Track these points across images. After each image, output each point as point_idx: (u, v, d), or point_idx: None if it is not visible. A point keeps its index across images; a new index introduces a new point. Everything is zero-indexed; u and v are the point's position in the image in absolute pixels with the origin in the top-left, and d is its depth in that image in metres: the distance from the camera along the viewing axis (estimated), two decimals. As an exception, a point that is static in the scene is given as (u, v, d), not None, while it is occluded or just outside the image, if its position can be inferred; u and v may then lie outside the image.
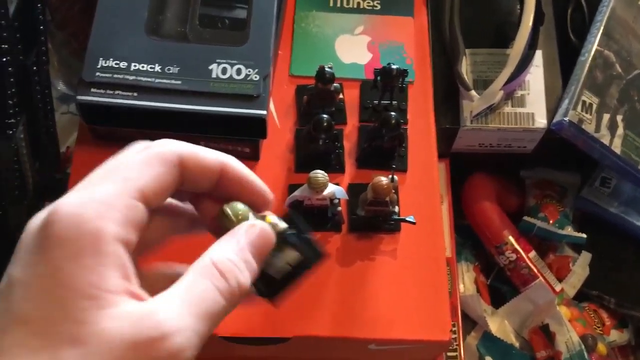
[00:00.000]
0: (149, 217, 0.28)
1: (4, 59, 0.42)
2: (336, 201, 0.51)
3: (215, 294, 0.27)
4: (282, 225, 0.32)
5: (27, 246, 0.26)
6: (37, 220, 0.26)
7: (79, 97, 0.48)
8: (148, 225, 0.28)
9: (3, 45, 0.42)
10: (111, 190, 0.27)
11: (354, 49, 0.61)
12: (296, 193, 0.50)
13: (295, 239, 0.32)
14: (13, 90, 0.44)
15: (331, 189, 0.49)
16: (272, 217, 0.32)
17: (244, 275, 0.28)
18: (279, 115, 0.58)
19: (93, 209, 0.26)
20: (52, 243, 0.25)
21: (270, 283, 0.32)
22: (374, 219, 0.52)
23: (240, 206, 0.31)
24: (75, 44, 0.70)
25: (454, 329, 0.60)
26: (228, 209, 0.31)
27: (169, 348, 0.25)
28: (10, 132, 0.45)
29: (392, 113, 0.52)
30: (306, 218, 0.51)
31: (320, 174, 0.48)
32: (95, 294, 0.24)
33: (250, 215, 0.31)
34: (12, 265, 0.25)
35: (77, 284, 0.24)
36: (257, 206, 0.32)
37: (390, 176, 0.49)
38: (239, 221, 0.30)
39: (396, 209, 0.51)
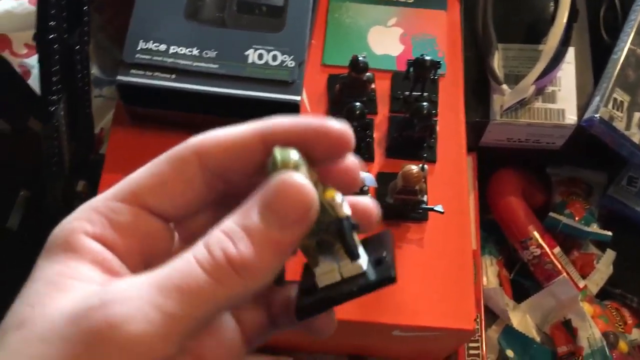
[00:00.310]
0: (163, 222, 0.25)
1: (50, 36, 0.43)
2: (365, 188, 0.52)
3: (191, 267, 0.21)
4: (346, 210, 0.23)
5: None
6: None
7: (119, 78, 0.49)
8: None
9: (50, 23, 0.43)
10: (101, 196, 0.24)
11: (386, 41, 0.62)
12: (327, 179, 0.51)
13: (356, 240, 0.24)
14: (57, 67, 0.45)
15: (361, 175, 0.50)
16: (337, 195, 0.23)
17: (241, 244, 0.22)
18: (310, 103, 0.59)
19: (76, 214, 0.24)
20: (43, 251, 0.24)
21: (309, 290, 0.24)
22: (403, 207, 0.52)
23: (293, 154, 0.23)
24: (111, 28, 0.71)
25: (476, 320, 0.61)
26: (278, 153, 0.23)
27: (108, 315, 0.20)
28: (53, 109, 0.47)
29: (424, 103, 0.53)
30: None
31: (352, 160, 0.49)
32: (57, 280, 0.22)
33: (304, 169, 0.23)
34: None
35: (44, 275, 0.23)
36: (333, 153, 0.25)
37: (420, 165, 0.50)
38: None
39: (425, 198, 0.52)
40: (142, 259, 0.24)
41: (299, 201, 0.22)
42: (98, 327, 0.20)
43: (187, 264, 0.21)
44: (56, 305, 0.21)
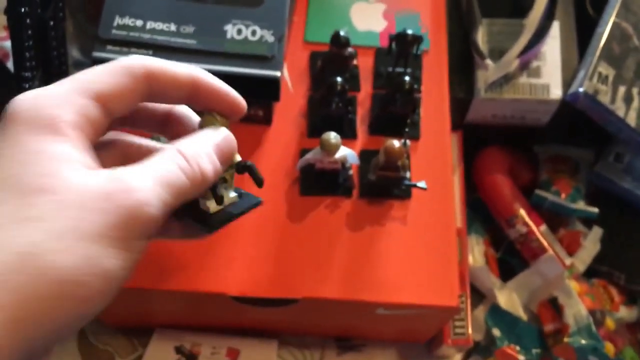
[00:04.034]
0: (108, 121, 0.30)
1: (23, 10, 0.42)
2: (348, 165, 0.51)
3: (178, 172, 0.29)
4: (238, 158, 0.34)
5: None
6: None
7: (95, 54, 0.48)
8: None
9: (21, -4, 0.42)
10: (65, 88, 0.28)
11: (369, 17, 0.61)
12: (308, 155, 0.50)
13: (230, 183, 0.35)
14: (30, 42, 0.44)
15: (343, 152, 0.50)
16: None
17: (207, 166, 0.30)
18: (292, 81, 0.58)
19: (49, 99, 0.27)
20: (13, 122, 0.26)
21: (209, 215, 0.34)
22: (385, 184, 0.51)
23: (219, 117, 0.34)
24: (90, 8, 0.70)
25: (462, 298, 0.60)
26: (217, 115, 0.33)
27: (138, 199, 0.26)
28: (27, 85, 0.46)
29: (406, 77, 0.52)
30: (318, 182, 0.52)
31: (332, 136, 0.48)
32: (65, 158, 0.26)
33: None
34: None
35: (41, 149, 0.26)
36: (233, 115, 0.34)
37: (402, 140, 0.49)
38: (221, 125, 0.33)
39: (407, 174, 0.51)
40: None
41: (233, 147, 0.33)
42: (131, 206, 0.26)
43: (175, 170, 0.29)
44: (78, 180, 0.26)
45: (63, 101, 0.28)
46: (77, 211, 0.25)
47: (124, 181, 0.27)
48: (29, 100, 0.27)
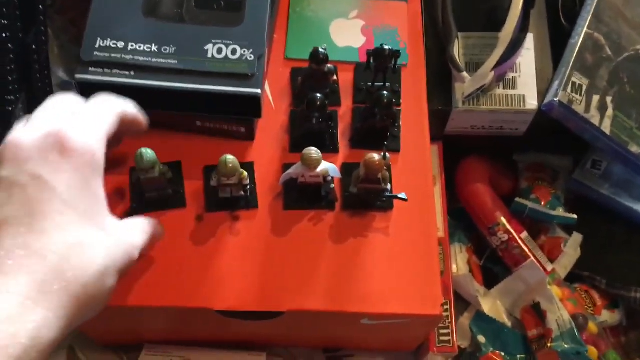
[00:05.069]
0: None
1: (4, 35, 0.43)
2: (329, 179, 0.52)
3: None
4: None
5: (41, 152, 0.37)
6: (36, 133, 0.38)
7: (78, 76, 0.49)
8: None
9: (3, 21, 0.43)
10: (101, 132, 0.42)
11: (348, 33, 0.63)
12: (290, 170, 0.51)
13: None
14: (13, 66, 0.45)
15: (324, 166, 0.50)
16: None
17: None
18: (274, 97, 0.59)
19: (96, 142, 0.41)
20: (72, 154, 0.38)
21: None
22: (367, 196, 0.52)
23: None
24: (74, 30, 0.71)
25: (446, 307, 0.61)
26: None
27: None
28: (10, 108, 0.46)
29: (385, 92, 0.53)
30: (301, 196, 0.53)
31: (313, 151, 0.49)
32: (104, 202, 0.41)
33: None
34: (30, 164, 0.37)
35: (98, 194, 0.40)
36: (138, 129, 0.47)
37: (382, 153, 0.50)
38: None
39: (388, 186, 0.52)
40: None
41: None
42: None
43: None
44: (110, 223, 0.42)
45: (102, 138, 0.42)
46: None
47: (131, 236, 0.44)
48: (80, 136, 0.40)
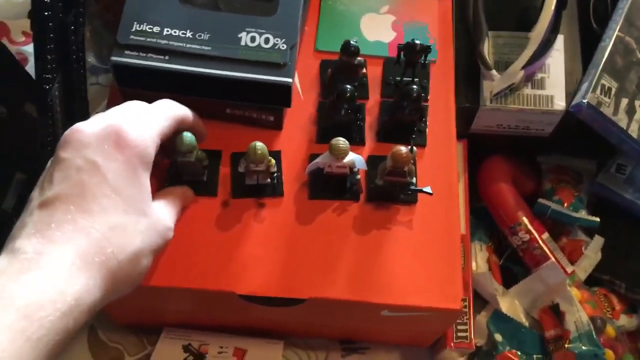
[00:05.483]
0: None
1: (46, 13, 0.44)
2: (355, 170, 0.53)
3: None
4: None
5: (99, 141, 0.41)
6: (99, 124, 0.43)
7: (113, 58, 0.50)
8: None
9: (46, 0, 0.44)
10: (155, 129, 0.46)
11: (378, 28, 0.63)
12: (318, 160, 0.52)
13: None
14: (52, 45, 0.46)
15: (351, 157, 0.51)
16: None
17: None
18: (303, 88, 0.60)
19: (150, 141, 0.44)
20: (125, 146, 0.42)
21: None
22: (392, 188, 0.53)
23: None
24: (108, 15, 0.72)
25: (465, 303, 0.62)
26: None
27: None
28: (47, 87, 0.47)
29: (414, 86, 0.53)
30: (326, 186, 0.54)
31: (341, 141, 0.50)
32: (149, 192, 0.45)
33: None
34: (89, 150, 0.41)
35: (144, 184, 0.44)
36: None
37: (409, 147, 0.51)
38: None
39: (414, 180, 0.53)
40: None
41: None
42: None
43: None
44: (153, 211, 0.46)
45: (154, 137, 0.45)
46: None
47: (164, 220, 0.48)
48: (135, 131, 0.44)
